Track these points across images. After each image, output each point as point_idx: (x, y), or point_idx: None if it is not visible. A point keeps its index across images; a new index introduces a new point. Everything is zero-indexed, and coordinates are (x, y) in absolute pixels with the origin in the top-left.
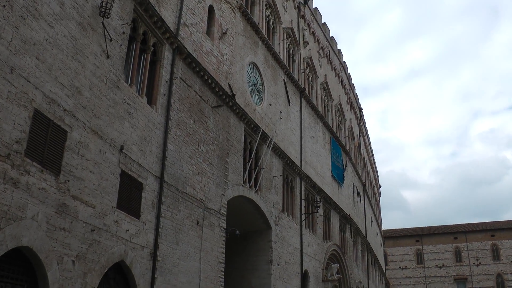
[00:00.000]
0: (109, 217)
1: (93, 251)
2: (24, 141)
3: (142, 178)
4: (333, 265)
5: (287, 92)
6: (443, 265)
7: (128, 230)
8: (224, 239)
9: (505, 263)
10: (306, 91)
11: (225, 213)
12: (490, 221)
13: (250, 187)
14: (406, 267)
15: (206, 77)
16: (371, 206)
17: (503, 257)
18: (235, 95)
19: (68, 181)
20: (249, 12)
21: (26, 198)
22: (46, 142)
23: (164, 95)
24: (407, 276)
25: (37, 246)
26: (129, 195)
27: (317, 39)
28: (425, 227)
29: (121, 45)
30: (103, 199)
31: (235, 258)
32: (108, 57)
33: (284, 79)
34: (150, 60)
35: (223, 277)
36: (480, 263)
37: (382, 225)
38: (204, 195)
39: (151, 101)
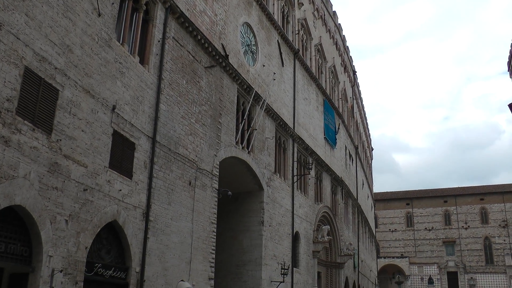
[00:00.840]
0: (102, 176)
1: (85, 211)
2: (15, 99)
3: (134, 138)
4: (323, 227)
5: (280, 54)
6: (432, 228)
7: (121, 190)
8: (216, 199)
9: (493, 226)
10: (300, 52)
11: (217, 174)
12: (480, 185)
13: (243, 148)
14: (396, 229)
15: (199, 37)
16: (363, 169)
17: (491, 221)
18: (228, 55)
19: (60, 140)
20: None
21: (17, 157)
22: (37, 101)
23: (157, 54)
24: (396, 239)
25: (30, 205)
26: (121, 155)
27: (312, 0)
28: (415, 190)
29: (112, 3)
30: (95, 159)
31: (227, 218)
32: (99, 15)
33: (278, 40)
34: (142, 19)
35: (215, 237)
36: (468, 226)
37: (373, 188)
38: (196, 156)
39: (143, 61)
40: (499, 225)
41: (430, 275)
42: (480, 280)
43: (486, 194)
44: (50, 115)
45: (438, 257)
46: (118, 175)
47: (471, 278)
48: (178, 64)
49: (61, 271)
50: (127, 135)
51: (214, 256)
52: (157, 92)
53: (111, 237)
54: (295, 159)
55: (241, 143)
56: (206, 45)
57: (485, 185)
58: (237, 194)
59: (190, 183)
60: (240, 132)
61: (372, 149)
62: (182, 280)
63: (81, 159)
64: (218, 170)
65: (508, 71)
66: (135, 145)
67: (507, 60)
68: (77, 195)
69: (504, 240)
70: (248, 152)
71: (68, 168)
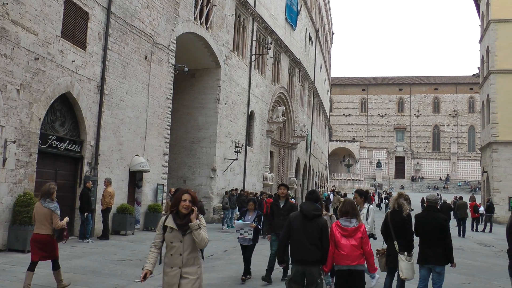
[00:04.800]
0: (54, 46)
1: (38, 81)
2: None
3: (88, 8)
4: (279, 108)
5: None
6: (386, 114)
7: (74, 61)
8: (173, 75)
9: (443, 115)
10: None
11: (174, 49)
12: (436, 75)
13: (201, 24)
14: (350, 114)
15: None
16: (322, 53)
17: (442, 110)
18: None
19: (7, 3)
20: None
21: None
22: None
23: None
24: (350, 123)
25: None
26: (74, 24)
27: None
28: (372, 77)
29: None
30: (46, 27)
31: (183, 95)
32: None
33: None
34: None
35: (170, 113)
36: (420, 114)
37: (331, 72)
38: (153, 30)
39: None
40: (449, 114)
41: (379, 159)
42: (425, 165)
43: (440, 84)
44: None
45: (388, 143)
46: (71, 45)
47: (417, 163)
48: None
49: (14, 142)
50: (81, 3)
51: (169, 131)
52: None
53: (65, 109)
54: (254, 38)
55: (200, 19)
56: None
57: (440, 76)
58: (193, 71)
59: (146, 58)
60: (199, 7)
61: (333, 34)
62: (136, 155)
63: (30, 26)
64: (175, 46)
65: None
66: (89, 14)
67: None
68: (28, 64)
69: (452, 129)
70: (207, 29)
71: (17, 35)
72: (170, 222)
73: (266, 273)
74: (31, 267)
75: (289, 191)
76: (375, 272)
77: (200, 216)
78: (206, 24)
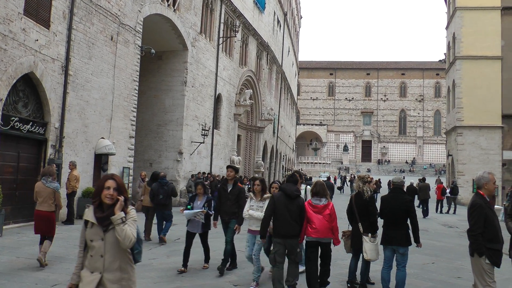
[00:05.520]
0: (15, 24)
1: None
2: None
3: None
4: (246, 91)
5: None
6: (353, 98)
7: (37, 40)
8: (139, 57)
9: (410, 100)
10: None
11: (141, 30)
12: (403, 60)
13: (168, 5)
14: (317, 98)
15: None
16: (290, 36)
17: (409, 95)
18: None
19: None
20: None
21: None
22: None
23: None
24: (317, 107)
25: None
26: (37, 2)
27: None
28: (340, 61)
29: None
30: (7, 3)
31: (150, 77)
32: None
33: None
34: None
35: (136, 95)
36: (387, 98)
37: (299, 56)
38: (119, 10)
39: None
40: (416, 99)
41: (345, 142)
42: (391, 149)
43: (407, 70)
44: None
45: (355, 126)
46: (34, 23)
47: (384, 146)
48: None
49: None
50: None
51: (135, 114)
52: None
53: (28, 90)
54: (222, 21)
55: (167, 1)
56: None
57: (407, 61)
58: (161, 53)
59: (112, 38)
60: None
61: (301, 17)
62: (102, 138)
63: None
64: (141, 27)
65: None
66: None
67: None
68: None
69: (418, 114)
70: (174, 10)
71: None
72: (89, 216)
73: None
74: (41, 241)
75: (237, 174)
76: (338, 244)
77: (130, 207)
78: (173, 5)
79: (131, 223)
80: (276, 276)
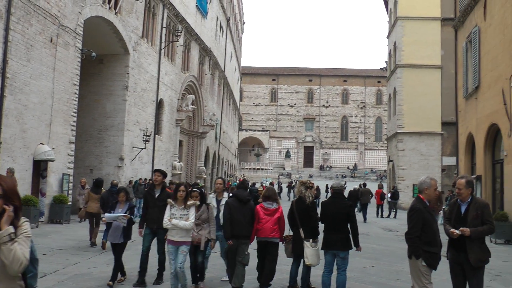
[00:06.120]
0: None
1: None
2: None
3: None
4: (188, 96)
5: None
6: (295, 104)
7: None
8: (80, 60)
9: (352, 106)
10: None
11: (82, 33)
12: (345, 68)
13: (110, 8)
14: (260, 104)
15: None
16: (233, 42)
17: (351, 101)
18: None
19: None
20: None
21: None
22: None
23: None
24: (260, 113)
25: None
26: None
27: None
28: (283, 67)
29: None
30: None
31: (91, 81)
32: None
33: None
34: None
35: (77, 99)
36: (329, 105)
37: (241, 61)
38: (59, 11)
39: None
40: (358, 106)
41: (288, 148)
42: (333, 155)
43: (349, 77)
44: None
45: (297, 132)
46: None
47: (326, 152)
48: None
49: None
50: None
51: (75, 119)
52: None
53: None
54: (164, 25)
55: (109, 3)
56: None
57: (349, 68)
58: (102, 56)
59: (51, 40)
60: None
61: (244, 23)
62: (41, 143)
63: None
64: (82, 29)
65: None
66: None
67: None
68: None
69: (360, 120)
70: (116, 13)
71: None
72: None
73: (139, 276)
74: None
75: (164, 179)
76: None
77: (23, 220)
78: (115, 8)
79: (23, 241)
80: (240, 272)
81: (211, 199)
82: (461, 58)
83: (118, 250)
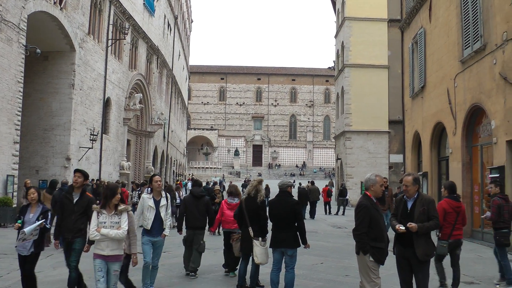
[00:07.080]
0: None
1: None
2: None
3: None
4: (136, 95)
5: None
6: (244, 103)
7: None
8: (24, 57)
9: (300, 105)
10: None
11: (25, 28)
12: (293, 67)
13: (55, 3)
14: (208, 102)
15: None
16: (181, 40)
17: (299, 100)
18: None
19: None
20: None
21: None
22: None
23: None
24: (208, 112)
25: None
26: None
27: None
28: (231, 66)
29: None
30: None
31: (36, 79)
32: None
33: None
34: None
35: (21, 97)
36: (278, 104)
37: (190, 60)
38: (1, 5)
39: None
40: (306, 104)
41: (236, 147)
42: (282, 153)
43: (297, 76)
44: None
45: (246, 131)
46: None
47: (275, 151)
48: None
49: None
50: None
51: (20, 118)
52: None
53: None
54: (111, 22)
55: None
56: None
57: (297, 67)
58: (47, 53)
59: None
60: None
61: (192, 21)
62: None
63: None
64: (26, 25)
65: None
66: None
67: None
68: None
69: (309, 119)
70: (61, 9)
71: None
72: None
73: None
74: None
75: (86, 181)
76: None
77: None
78: (60, 3)
79: None
80: (185, 256)
81: (146, 200)
82: (408, 58)
83: (29, 262)
